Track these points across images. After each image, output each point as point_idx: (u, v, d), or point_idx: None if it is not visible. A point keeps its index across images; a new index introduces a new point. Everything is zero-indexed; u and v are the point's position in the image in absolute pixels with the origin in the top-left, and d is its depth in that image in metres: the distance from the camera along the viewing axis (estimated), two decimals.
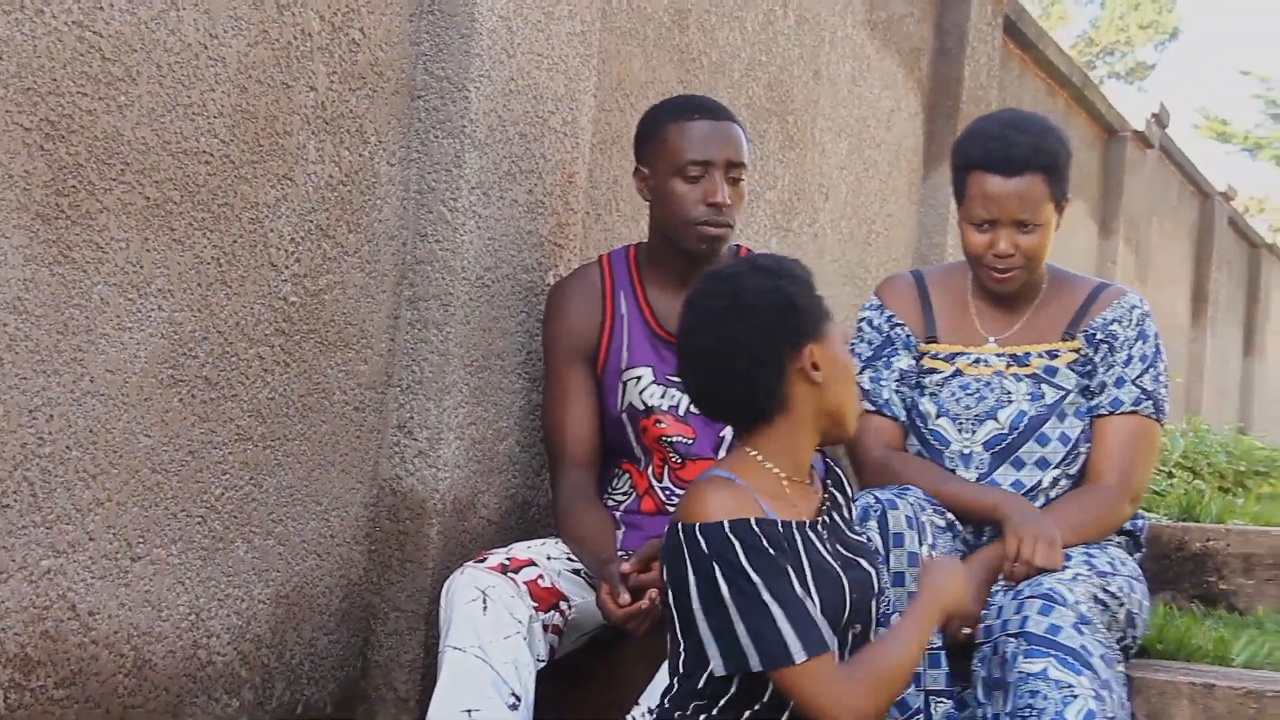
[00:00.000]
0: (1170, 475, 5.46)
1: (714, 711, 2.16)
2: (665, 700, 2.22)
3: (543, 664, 2.68)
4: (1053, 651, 2.46)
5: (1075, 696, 2.40)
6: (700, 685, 2.16)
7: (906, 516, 2.64)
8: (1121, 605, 2.66)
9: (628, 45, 3.56)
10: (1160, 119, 8.48)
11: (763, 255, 2.32)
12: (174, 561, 2.41)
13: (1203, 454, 5.87)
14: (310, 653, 2.71)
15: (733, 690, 2.16)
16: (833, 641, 2.12)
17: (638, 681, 2.79)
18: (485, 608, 2.63)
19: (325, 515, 2.72)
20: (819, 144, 4.65)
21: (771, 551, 2.11)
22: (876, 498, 2.65)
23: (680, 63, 3.82)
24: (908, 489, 2.77)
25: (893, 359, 2.93)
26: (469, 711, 2.54)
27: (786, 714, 2.15)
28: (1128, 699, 2.57)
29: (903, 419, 2.89)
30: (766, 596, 2.09)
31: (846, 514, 2.32)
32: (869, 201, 5.10)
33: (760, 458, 2.21)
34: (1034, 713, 2.41)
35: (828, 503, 2.28)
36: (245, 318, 2.50)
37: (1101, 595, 2.62)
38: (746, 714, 2.16)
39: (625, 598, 2.63)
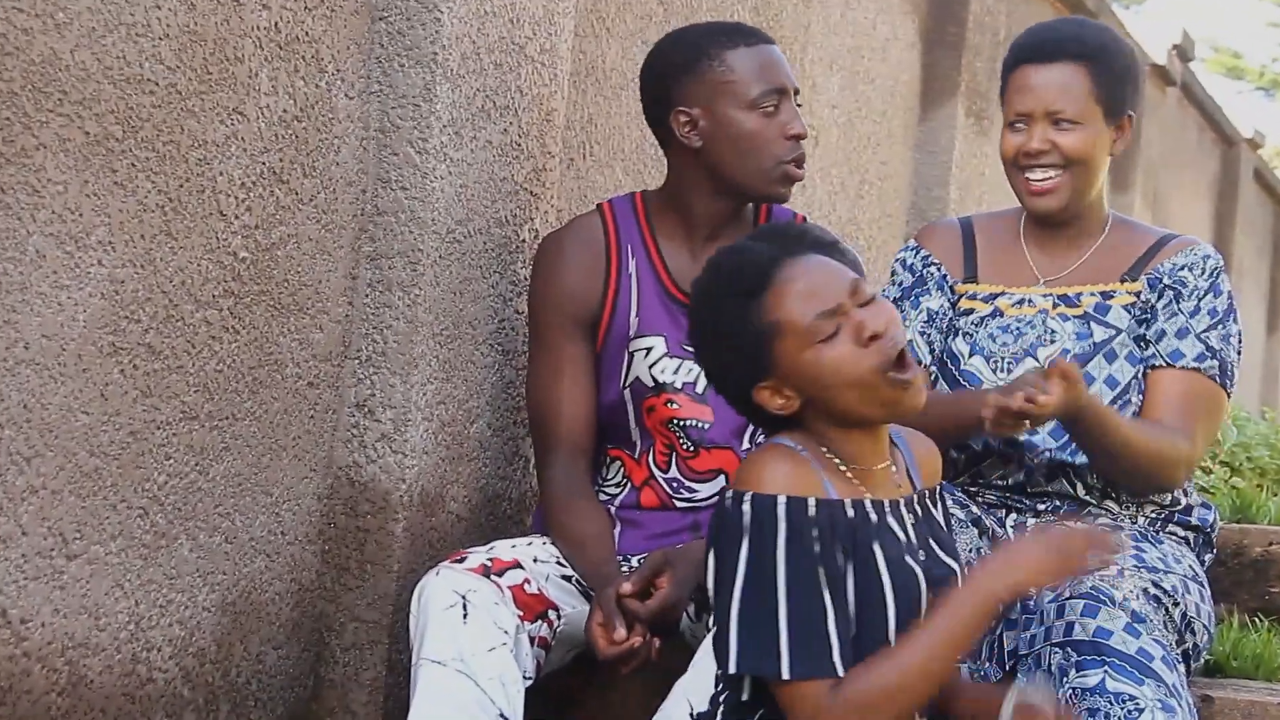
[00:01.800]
0: (1208, 472, 5.66)
1: None
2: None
3: (530, 681, 2.80)
4: (1107, 659, 2.60)
5: (1141, 710, 2.55)
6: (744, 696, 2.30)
7: None
8: (1176, 605, 2.81)
9: None
10: (1183, 51, 8.73)
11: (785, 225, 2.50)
12: (113, 561, 2.50)
13: (1243, 446, 6.08)
14: (257, 670, 2.82)
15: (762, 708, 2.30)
16: (842, 664, 2.22)
17: (631, 704, 2.93)
18: (466, 615, 2.74)
19: (276, 509, 2.82)
20: (809, 77, 4.80)
21: (817, 548, 2.25)
22: None
23: None
24: None
25: (921, 298, 3.11)
26: None
27: None
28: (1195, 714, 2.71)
29: (927, 362, 3.06)
30: (781, 595, 2.22)
31: (942, 510, 2.46)
32: (861, 147, 5.26)
33: (799, 448, 2.33)
34: None
35: (923, 495, 2.43)
36: (192, 275, 2.59)
37: (1154, 591, 2.77)
38: None
39: (620, 633, 2.74)
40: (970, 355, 3.03)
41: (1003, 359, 3.02)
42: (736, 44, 3.00)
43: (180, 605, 2.63)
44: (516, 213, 3.22)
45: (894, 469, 2.40)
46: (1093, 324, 3.01)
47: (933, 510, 2.44)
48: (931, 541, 2.39)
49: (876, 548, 2.30)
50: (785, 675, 2.21)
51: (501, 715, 2.69)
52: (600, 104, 3.71)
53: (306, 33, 2.79)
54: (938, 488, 2.48)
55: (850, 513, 2.29)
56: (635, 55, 3.68)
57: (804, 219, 3.14)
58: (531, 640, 2.83)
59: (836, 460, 2.34)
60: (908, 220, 5.64)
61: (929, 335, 3.08)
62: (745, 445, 3.04)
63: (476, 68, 3.05)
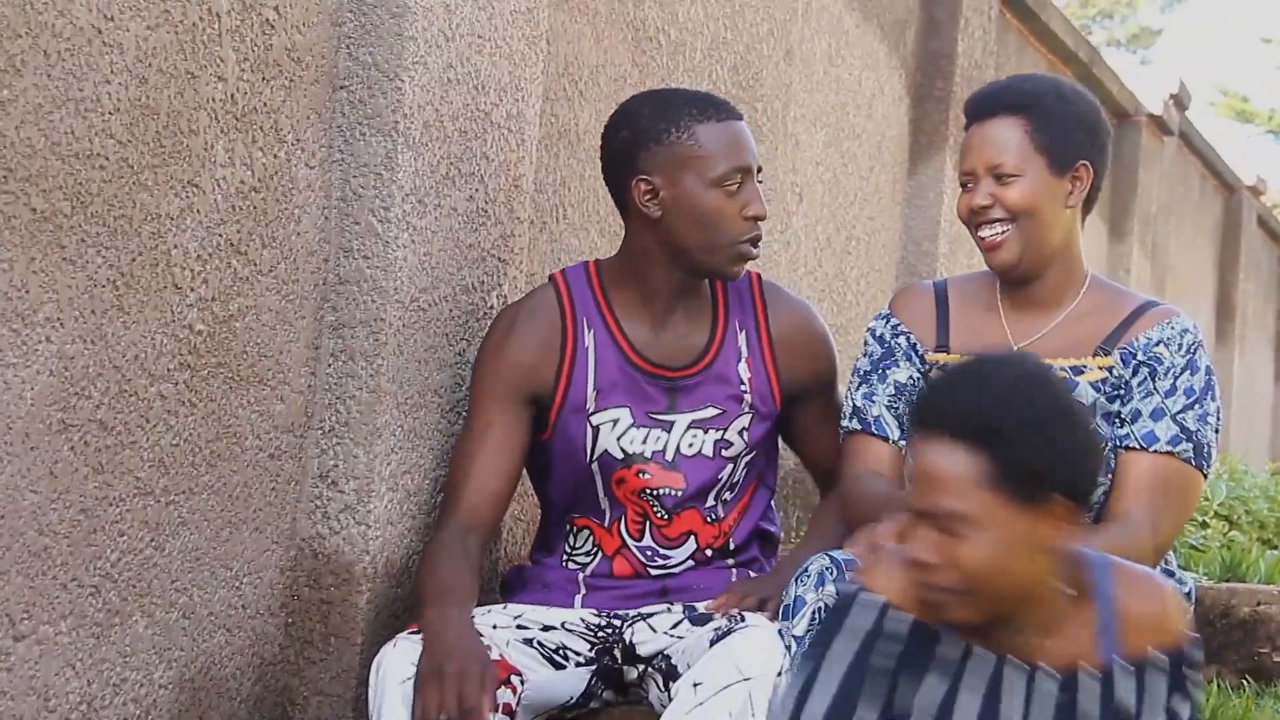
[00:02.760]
0: (1205, 525, 5.62)
1: None
2: None
3: None
4: None
5: None
6: None
7: None
8: None
9: (576, 23, 3.66)
10: (1180, 100, 8.71)
11: None
12: (64, 640, 2.46)
13: (1240, 499, 6.04)
14: None
15: None
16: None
17: None
18: None
19: (236, 582, 2.79)
20: (792, 135, 4.77)
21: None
22: (832, 559, 2.76)
23: (635, 42, 3.92)
24: None
25: (889, 371, 3.06)
26: None
27: None
28: None
29: (895, 438, 3.01)
30: None
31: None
32: (848, 203, 5.24)
33: None
34: None
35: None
36: (145, 350, 2.56)
37: None
38: None
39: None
40: None
41: None
42: (707, 118, 2.97)
43: (135, 683, 2.59)
44: (484, 279, 3.19)
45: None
46: None
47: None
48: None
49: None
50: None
51: None
52: (574, 167, 3.68)
53: (264, 103, 2.77)
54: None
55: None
56: (608, 118, 3.65)
57: (759, 276, 3.12)
58: (496, 708, 2.78)
59: None
60: (897, 275, 5.61)
61: (897, 409, 3.03)
62: (710, 503, 3.01)
63: (440, 135, 3.03)
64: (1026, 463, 2.17)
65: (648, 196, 2.97)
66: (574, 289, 3.06)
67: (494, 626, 2.89)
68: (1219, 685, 3.57)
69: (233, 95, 2.70)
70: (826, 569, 2.76)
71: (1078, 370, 2.96)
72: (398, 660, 2.74)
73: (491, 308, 3.19)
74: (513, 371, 3.00)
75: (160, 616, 2.63)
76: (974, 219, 2.98)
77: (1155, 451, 2.89)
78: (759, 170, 3.02)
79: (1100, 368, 2.95)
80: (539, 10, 3.30)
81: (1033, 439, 2.18)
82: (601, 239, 3.79)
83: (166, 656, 2.65)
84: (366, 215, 2.94)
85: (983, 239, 2.98)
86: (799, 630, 2.73)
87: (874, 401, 3.04)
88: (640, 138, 2.98)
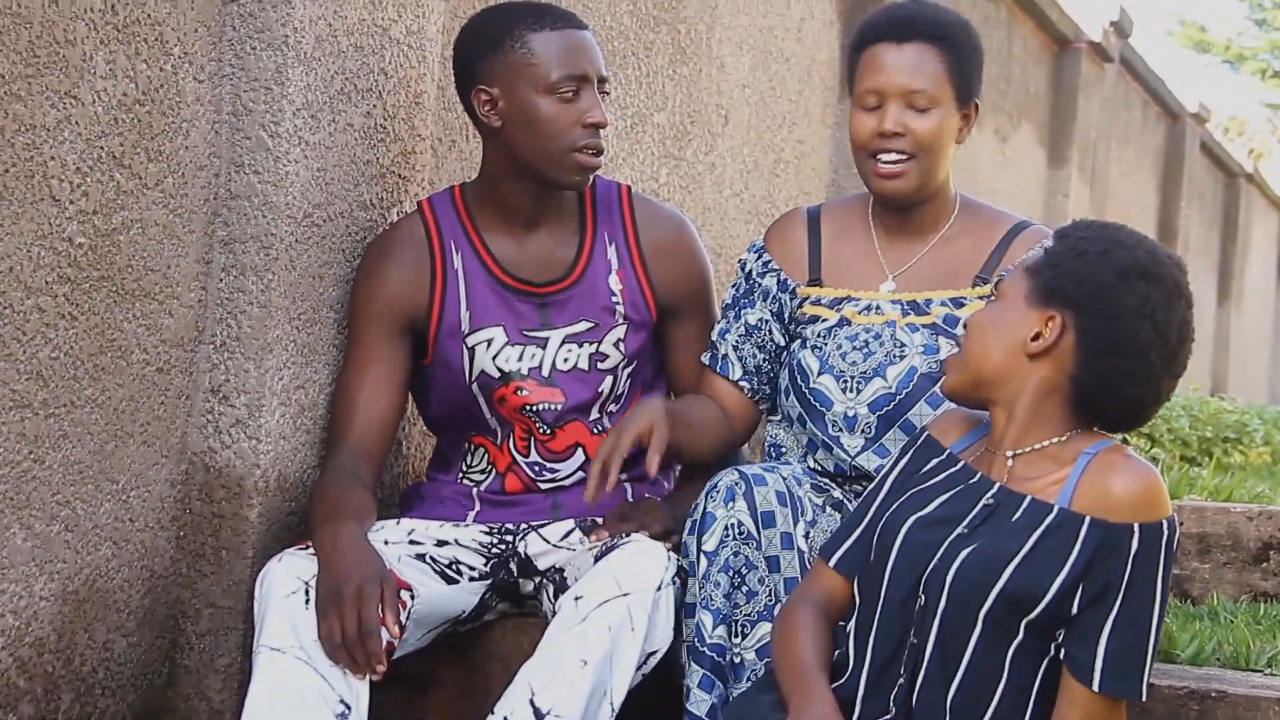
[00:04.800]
0: (1125, 443, 5.59)
1: None
2: None
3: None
4: None
5: None
6: None
7: (778, 492, 2.69)
8: None
9: None
10: (1121, 27, 8.62)
11: None
12: None
13: (1162, 419, 6.01)
14: (105, 658, 2.72)
15: None
16: (850, 566, 2.50)
17: (494, 687, 2.84)
18: (308, 600, 2.65)
19: (123, 495, 2.73)
20: (717, 58, 4.69)
21: (903, 460, 2.55)
22: (741, 473, 2.70)
23: None
24: (786, 462, 2.84)
25: (744, 311, 2.99)
26: None
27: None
28: None
29: (737, 378, 2.96)
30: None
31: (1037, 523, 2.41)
32: (776, 126, 5.15)
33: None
34: None
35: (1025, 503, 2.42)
36: (21, 262, 2.49)
37: None
38: None
39: (382, 667, 2.62)
40: (820, 373, 2.90)
41: (852, 378, 2.88)
42: (542, 27, 2.90)
43: (15, 595, 2.53)
44: (383, 196, 3.12)
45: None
46: (941, 337, 2.87)
47: (1016, 515, 2.43)
48: (977, 521, 2.44)
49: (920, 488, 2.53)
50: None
51: (342, 701, 2.60)
52: None
53: (148, 15, 2.68)
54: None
55: (939, 458, 2.55)
56: None
57: (628, 188, 3.05)
58: (397, 622, 2.73)
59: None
60: (827, 197, 5.53)
61: (741, 351, 2.97)
62: (594, 415, 2.96)
63: (334, 50, 2.94)
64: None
65: (487, 107, 2.91)
66: (440, 214, 2.99)
67: (386, 543, 2.84)
68: None
69: (113, 6, 2.61)
70: (735, 484, 2.70)
71: (958, 303, 2.89)
72: (283, 574, 2.68)
73: (391, 222, 3.12)
74: (385, 301, 2.93)
75: (40, 529, 2.57)
76: (876, 143, 2.86)
77: None
78: (604, 81, 2.92)
79: (981, 298, 2.88)
80: None
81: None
82: None
83: (47, 569, 2.59)
84: (257, 130, 2.85)
85: (880, 166, 2.86)
86: (710, 546, 2.67)
87: (725, 339, 2.99)
88: (479, 48, 2.93)
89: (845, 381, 2.89)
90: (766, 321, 2.97)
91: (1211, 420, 6.67)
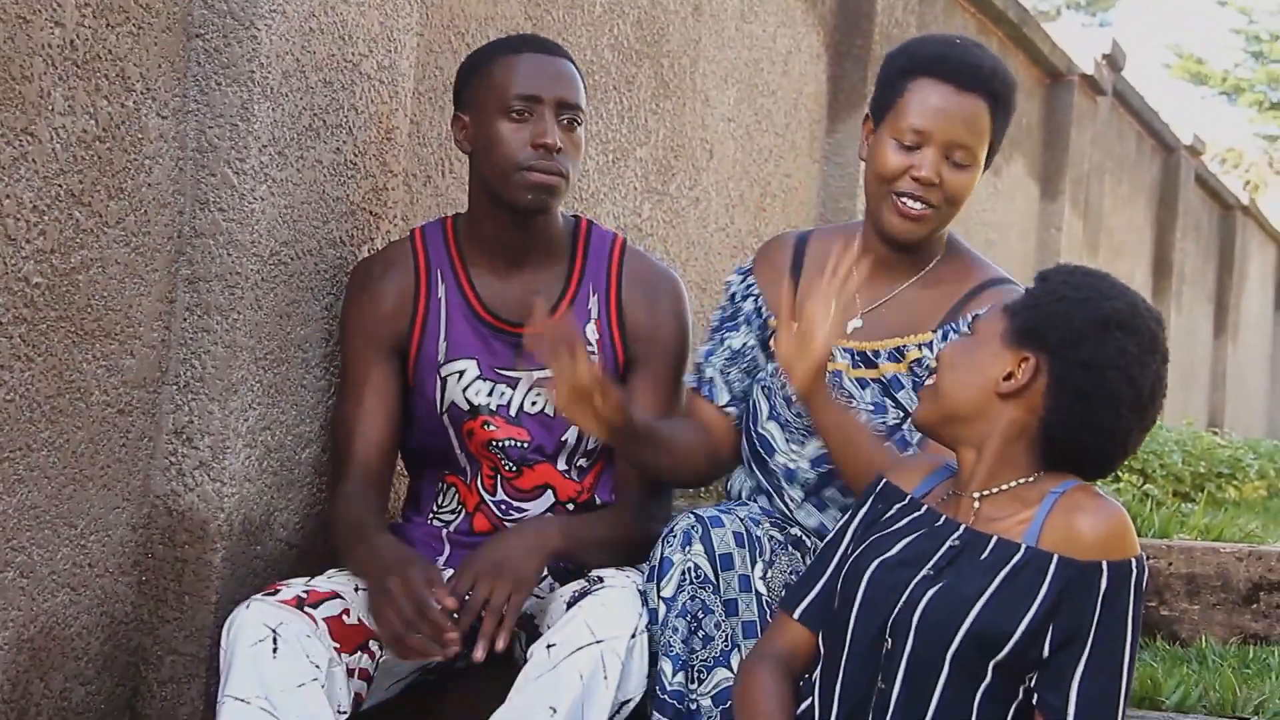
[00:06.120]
0: (1116, 479, 5.52)
1: None
2: None
3: (344, 715, 2.64)
4: None
5: None
6: None
7: (735, 534, 2.63)
8: None
9: None
10: (1113, 60, 8.58)
11: None
12: None
13: (1155, 454, 5.94)
14: (62, 706, 2.65)
15: None
16: (814, 618, 2.45)
17: None
18: (275, 650, 2.58)
19: (81, 540, 2.66)
20: (701, 91, 4.64)
21: (863, 508, 2.49)
22: (698, 517, 2.63)
23: None
24: (742, 503, 2.76)
25: (728, 335, 2.90)
26: None
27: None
28: None
29: (723, 403, 2.87)
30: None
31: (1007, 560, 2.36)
32: (762, 160, 5.10)
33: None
34: None
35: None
36: None
37: None
38: None
39: (453, 635, 2.57)
40: (767, 417, 2.82)
41: (796, 429, 2.80)
42: (509, 52, 2.87)
43: None
44: (354, 233, 3.05)
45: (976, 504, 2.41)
46: (888, 398, 2.76)
47: (986, 554, 2.37)
48: (945, 565, 2.38)
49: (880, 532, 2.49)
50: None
51: None
52: None
53: (109, 50, 2.62)
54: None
55: (901, 503, 2.51)
56: None
57: (623, 241, 2.98)
58: (350, 673, 2.67)
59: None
60: None
61: (729, 375, 2.89)
62: (562, 465, 2.90)
63: (302, 85, 2.88)
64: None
65: (462, 134, 2.91)
66: (429, 242, 2.95)
67: (357, 589, 2.76)
68: None
69: (72, 41, 2.55)
70: (692, 527, 2.63)
71: (899, 354, 2.75)
72: (251, 622, 2.61)
73: (381, 249, 3.06)
74: (373, 324, 2.90)
75: None
76: (905, 184, 2.69)
77: None
78: (569, 107, 2.84)
79: (918, 346, 2.75)
80: None
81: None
82: None
83: (1, 617, 2.52)
84: (222, 167, 2.79)
85: (903, 205, 2.70)
86: (668, 592, 2.61)
87: (710, 362, 2.90)
88: (462, 77, 2.94)
89: (790, 432, 2.81)
90: (752, 347, 2.89)
91: (1205, 455, 6.60)
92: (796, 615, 2.48)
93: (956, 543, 2.38)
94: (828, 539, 2.52)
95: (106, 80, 2.62)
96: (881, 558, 2.40)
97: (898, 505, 2.47)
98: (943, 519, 2.42)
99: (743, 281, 2.93)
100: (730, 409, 2.88)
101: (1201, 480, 6.46)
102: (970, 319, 2.72)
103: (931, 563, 2.37)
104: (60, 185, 2.55)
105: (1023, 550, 2.33)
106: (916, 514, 2.45)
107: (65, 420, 2.60)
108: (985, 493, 2.40)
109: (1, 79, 2.43)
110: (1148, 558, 3.87)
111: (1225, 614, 3.85)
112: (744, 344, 2.89)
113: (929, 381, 2.48)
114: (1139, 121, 10.04)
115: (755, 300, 2.90)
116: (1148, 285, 10.61)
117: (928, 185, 2.70)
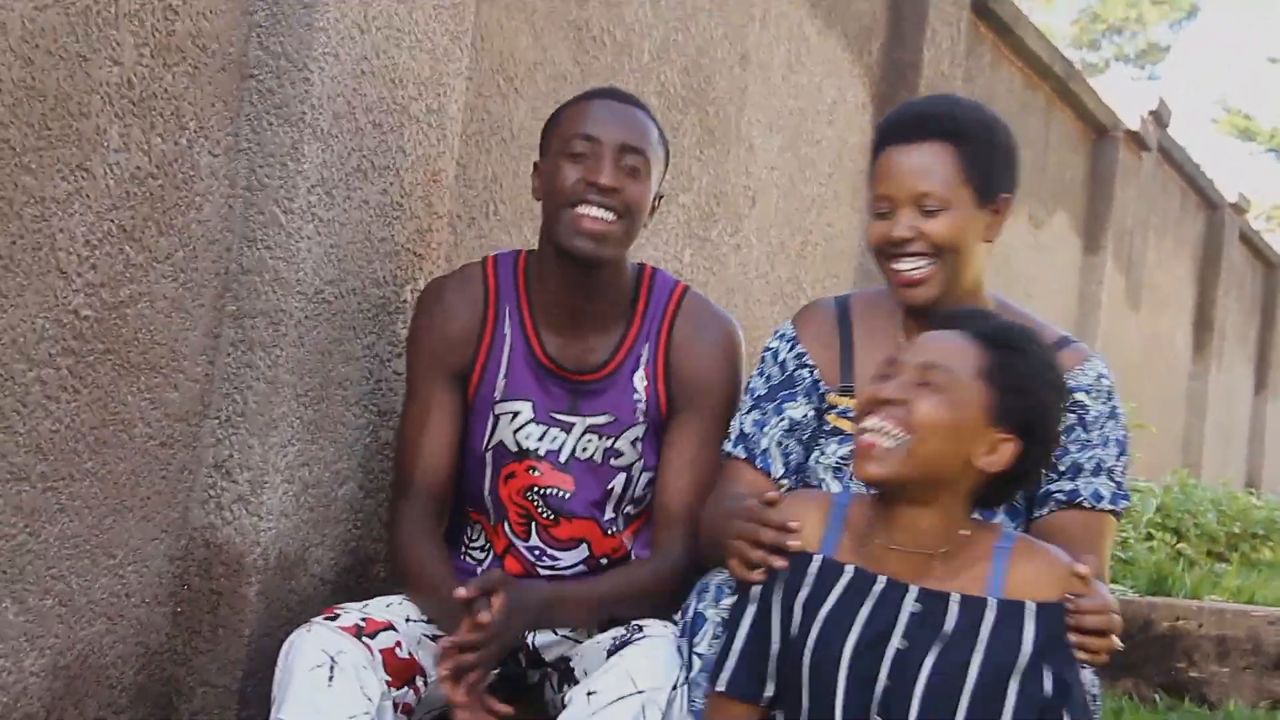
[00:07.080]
0: (1150, 537, 5.51)
1: None
2: None
3: None
4: None
5: None
6: None
7: None
8: None
9: (512, 20, 3.56)
10: (1159, 116, 8.59)
11: None
12: None
13: (1189, 513, 5.93)
14: None
15: None
16: (760, 688, 2.43)
17: None
18: (332, 678, 2.58)
19: (119, 570, 2.69)
20: (745, 139, 4.67)
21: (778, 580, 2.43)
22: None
23: (577, 41, 3.82)
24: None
25: (785, 405, 2.79)
26: None
27: None
28: None
29: (779, 475, 2.77)
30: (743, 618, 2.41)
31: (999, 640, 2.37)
32: (805, 208, 5.13)
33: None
34: None
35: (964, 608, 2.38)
36: (25, 334, 2.47)
37: None
38: None
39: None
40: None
41: None
42: (583, 100, 2.91)
43: (3, 670, 2.49)
44: (397, 273, 3.09)
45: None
46: None
47: (961, 620, 2.38)
48: (913, 634, 2.38)
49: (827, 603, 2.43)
50: (710, 687, 2.51)
51: None
52: (507, 163, 3.58)
53: (165, 89, 2.67)
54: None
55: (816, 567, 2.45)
56: (548, 115, 3.55)
57: (684, 288, 3.00)
58: (396, 707, 2.68)
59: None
60: (855, 281, 5.50)
61: (786, 447, 2.78)
62: (609, 515, 2.91)
63: (352, 127, 2.93)
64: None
65: (536, 181, 2.94)
66: (501, 274, 2.96)
67: (407, 620, 2.76)
68: (1131, 699, 3.47)
69: (129, 79, 2.60)
70: (725, 583, 2.62)
71: None
72: (310, 647, 2.61)
73: (405, 302, 3.09)
74: (443, 348, 2.91)
75: (33, 603, 2.53)
76: (889, 249, 2.68)
77: (1101, 510, 2.69)
78: (632, 151, 2.83)
79: None
80: (465, 6, 3.19)
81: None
82: (534, 236, 3.67)
83: (39, 644, 2.55)
84: (270, 205, 2.84)
85: (898, 272, 2.67)
86: (703, 648, 2.60)
87: (764, 433, 2.78)
88: (544, 129, 2.97)
89: None
90: (811, 419, 2.79)
91: (1240, 515, 6.58)
92: (725, 688, 2.46)
93: (917, 607, 2.39)
94: (744, 612, 2.48)
95: (161, 118, 2.67)
96: (850, 639, 2.39)
97: (813, 569, 2.45)
98: (882, 580, 2.42)
99: (792, 350, 2.83)
100: (784, 481, 2.77)
101: (1236, 540, 6.44)
102: None
103: (898, 633, 2.38)
104: (112, 220, 2.60)
105: (995, 604, 2.37)
106: (847, 578, 2.43)
107: (109, 451, 2.64)
108: (942, 550, 2.41)
109: (59, 115, 2.48)
110: (1178, 619, 3.89)
111: (1255, 677, 3.84)
112: (804, 415, 2.79)
113: (892, 435, 2.39)
114: (1183, 177, 10.03)
115: (812, 372, 2.81)
116: (1189, 342, 10.59)
117: (906, 242, 2.66)
